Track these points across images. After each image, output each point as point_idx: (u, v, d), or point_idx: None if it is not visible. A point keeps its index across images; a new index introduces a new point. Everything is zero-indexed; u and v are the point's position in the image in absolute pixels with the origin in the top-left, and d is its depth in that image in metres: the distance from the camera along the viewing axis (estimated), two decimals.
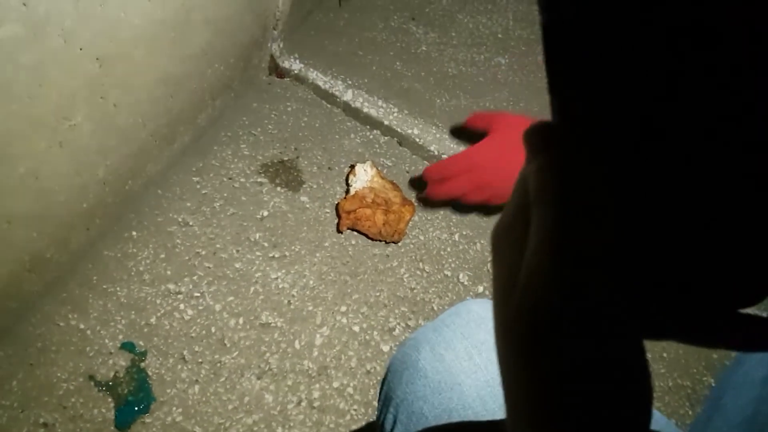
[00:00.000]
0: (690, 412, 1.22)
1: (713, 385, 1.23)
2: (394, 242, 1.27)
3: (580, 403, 0.26)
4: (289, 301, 1.17)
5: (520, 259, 0.27)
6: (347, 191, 1.28)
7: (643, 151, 0.24)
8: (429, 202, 1.32)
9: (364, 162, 1.30)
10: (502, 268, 0.29)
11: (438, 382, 0.58)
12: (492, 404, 0.58)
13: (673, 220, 0.25)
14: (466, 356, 0.59)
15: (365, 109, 1.47)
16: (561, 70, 0.25)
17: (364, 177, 1.27)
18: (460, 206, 1.26)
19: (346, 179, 1.31)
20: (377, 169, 1.29)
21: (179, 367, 1.07)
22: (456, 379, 0.58)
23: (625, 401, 0.26)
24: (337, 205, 1.26)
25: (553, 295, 0.25)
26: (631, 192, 0.25)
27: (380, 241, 1.27)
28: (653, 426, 0.54)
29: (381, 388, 0.67)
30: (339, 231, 1.26)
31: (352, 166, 1.30)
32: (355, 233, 1.28)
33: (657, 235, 0.25)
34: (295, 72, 1.50)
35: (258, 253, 1.21)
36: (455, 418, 0.55)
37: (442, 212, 1.37)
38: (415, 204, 1.31)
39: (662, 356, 1.26)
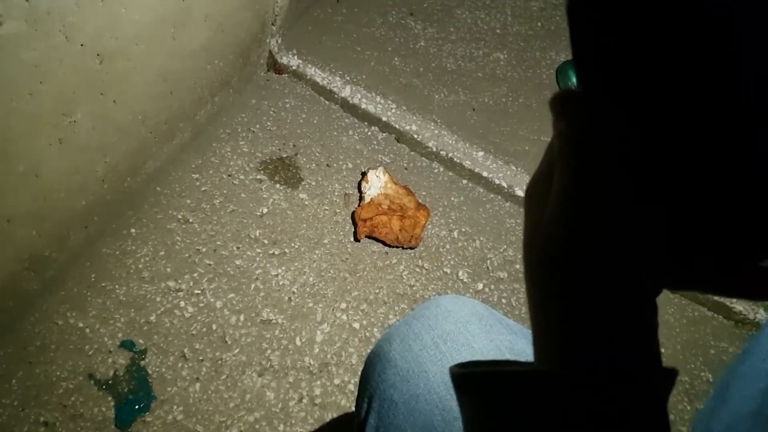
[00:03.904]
0: (688, 408, 1.23)
1: (718, 377, 1.24)
2: (411, 248, 1.28)
3: (588, 341, 0.29)
4: (289, 298, 1.17)
5: (544, 212, 0.31)
6: (361, 198, 1.29)
7: (655, 111, 0.26)
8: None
9: (375, 168, 1.31)
10: (530, 218, 0.33)
11: (406, 371, 0.61)
12: None
13: (688, 174, 0.26)
14: (432, 346, 0.62)
15: (363, 105, 1.46)
16: (582, 43, 0.27)
17: (377, 183, 1.28)
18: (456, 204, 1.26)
19: (359, 186, 1.33)
20: (389, 174, 1.30)
21: (180, 365, 1.06)
22: (423, 366, 0.61)
23: (626, 343, 0.29)
24: (353, 213, 1.27)
25: (567, 240, 0.29)
26: (646, 149, 0.26)
27: (398, 247, 1.27)
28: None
29: (359, 381, 0.70)
30: (356, 239, 1.27)
31: (364, 173, 1.31)
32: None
33: (674, 191, 0.27)
34: (294, 68, 1.49)
35: (258, 250, 1.21)
36: (422, 403, 0.58)
37: (440, 209, 1.37)
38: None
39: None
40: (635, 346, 0.30)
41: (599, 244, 0.28)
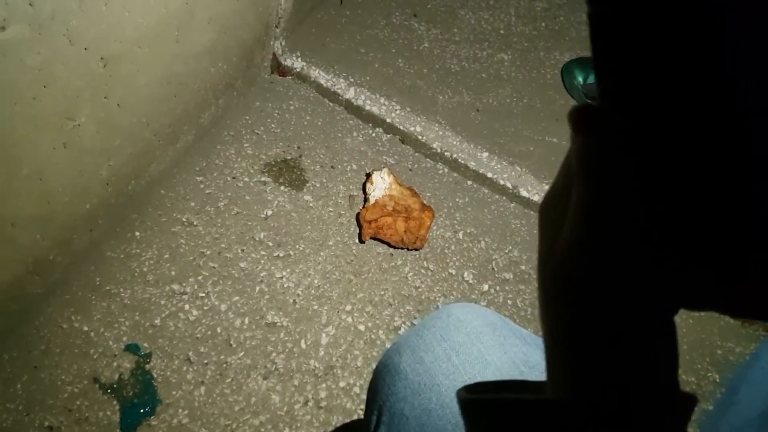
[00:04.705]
0: (696, 408, 1.22)
1: (727, 380, 1.23)
2: (416, 249, 1.27)
3: (602, 364, 0.29)
4: (294, 301, 1.16)
5: (560, 230, 0.30)
6: (365, 200, 1.29)
7: (672, 129, 0.25)
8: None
9: (379, 169, 1.30)
10: (545, 236, 0.32)
11: (417, 384, 0.60)
12: None
13: (702, 196, 0.25)
14: (444, 358, 0.61)
15: (367, 107, 1.46)
16: (603, 58, 0.26)
17: (382, 185, 1.27)
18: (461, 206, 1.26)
19: (363, 188, 1.32)
20: (394, 175, 1.30)
21: (185, 368, 1.06)
22: (435, 380, 0.59)
23: (642, 368, 0.29)
24: (358, 214, 1.27)
25: (585, 260, 0.28)
26: (659, 170, 0.26)
27: (403, 248, 1.27)
28: None
29: (368, 392, 0.69)
30: (361, 241, 1.26)
31: (369, 175, 1.30)
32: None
33: (687, 213, 0.26)
34: (297, 70, 1.49)
35: (263, 253, 1.21)
36: (434, 418, 0.56)
37: (445, 211, 1.37)
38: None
39: None
40: (651, 370, 0.29)
41: (617, 264, 0.27)
